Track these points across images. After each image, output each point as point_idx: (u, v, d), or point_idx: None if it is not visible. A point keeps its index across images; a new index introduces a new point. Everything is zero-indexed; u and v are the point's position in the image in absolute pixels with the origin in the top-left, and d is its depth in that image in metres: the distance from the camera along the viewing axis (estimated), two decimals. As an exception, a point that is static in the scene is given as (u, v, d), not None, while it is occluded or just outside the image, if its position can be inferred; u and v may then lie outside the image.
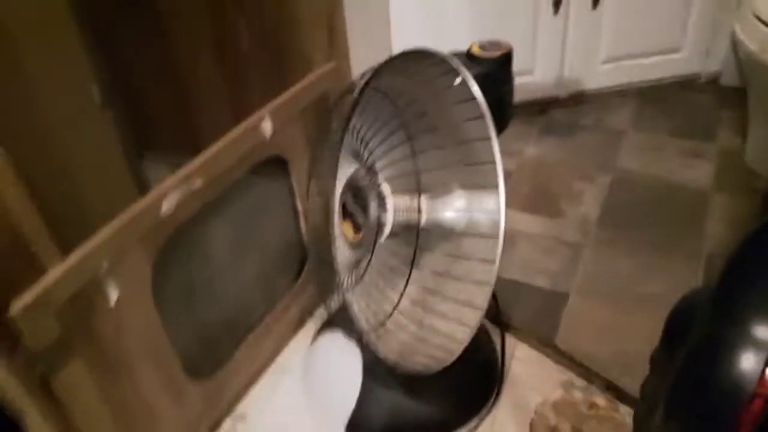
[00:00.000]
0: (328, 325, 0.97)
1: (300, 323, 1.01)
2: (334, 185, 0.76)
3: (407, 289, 0.85)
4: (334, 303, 0.96)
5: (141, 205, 0.65)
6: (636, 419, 0.70)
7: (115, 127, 1.03)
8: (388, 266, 0.84)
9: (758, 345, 0.51)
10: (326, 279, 0.89)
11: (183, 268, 0.75)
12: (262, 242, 0.89)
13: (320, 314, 1.02)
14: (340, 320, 0.92)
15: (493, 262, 0.80)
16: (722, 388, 0.52)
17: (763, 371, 0.49)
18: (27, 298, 0.55)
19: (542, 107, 1.56)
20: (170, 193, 0.67)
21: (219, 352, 0.85)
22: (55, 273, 0.57)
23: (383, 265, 0.83)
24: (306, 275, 0.97)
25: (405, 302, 0.85)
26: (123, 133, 1.04)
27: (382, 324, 0.82)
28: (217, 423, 0.87)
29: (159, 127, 1.16)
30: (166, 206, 0.67)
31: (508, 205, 0.81)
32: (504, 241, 0.82)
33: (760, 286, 0.52)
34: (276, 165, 0.85)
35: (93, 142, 0.90)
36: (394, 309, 0.84)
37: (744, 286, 0.53)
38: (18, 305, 0.54)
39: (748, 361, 0.51)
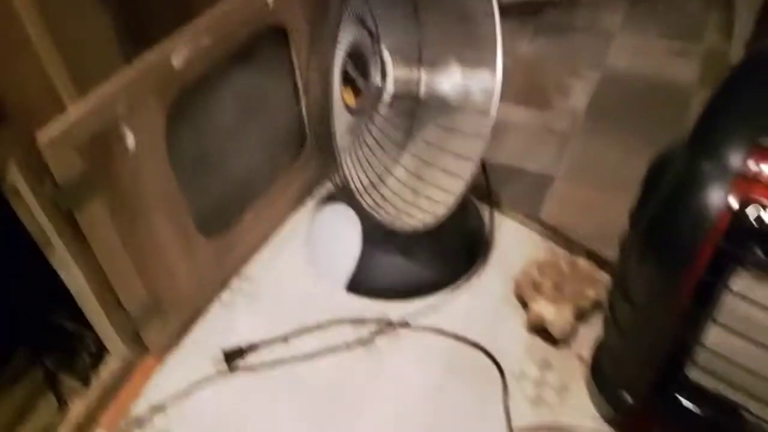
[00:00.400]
0: (329, 198, 1.02)
1: (302, 197, 1.06)
2: (335, 49, 0.79)
3: (402, 158, 0.90)
4: (336, 177, 1.01)
5: (152, 55, 0.68)
6: (617, 268, 0.77)
7: (112, 21, 1.03)
8: (385, 135, 0.88)
9: (726, 170, 0.55)
10: (326, 153, 0.94)
11: (192, 128, 0.79)
12: (265, 114, 0.92)
13: (321, 190, 1.07)
14: (341, 193, 0.97)
15: (482, 136, 0.84)
16: (691, 215, 0.57)
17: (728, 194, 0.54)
18: (53, 130, 0.59)
19: (536, 7, 1.57)
20: (179, 47, 0.70)
21: (227, 215, 0.90)
22: (76, 110, 0.61)
23: (380, 134, 0.88)
24: (308, 150, 1.01)
25: (400, 169, 0.90)
26: (119, 28, 1.04)
27: (377, 187, 0.87)
28: (226, 281, 0.94)
29: (155, 20, 1.16)
30: (176, 60, 0.70)
31: (500, 96, 0.85)
32: (495, 124, 0.86)
33: (734, 115, 0.56)
34: (277, 37, 0.87)
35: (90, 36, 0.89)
36: (388, 174, 0.89)
37: (718, 119, 0.57)
38: (45, 136, 0.58)
39: (716, 189, 0.55)
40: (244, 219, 0.93)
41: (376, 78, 0.83)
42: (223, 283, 0.93)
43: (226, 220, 0.90)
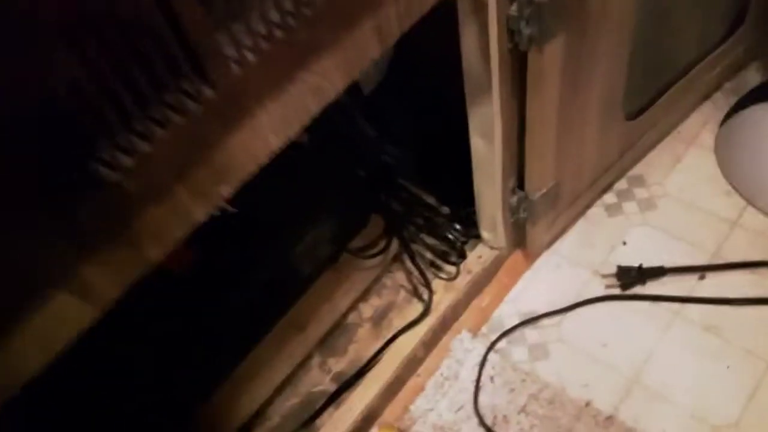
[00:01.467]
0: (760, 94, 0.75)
1: (717, 87, 0.80)
2: None
3: None
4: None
5: None
6: None
7: None
8: None
9: None
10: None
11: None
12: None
13: (746, 82, 0.80)
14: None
15: None
16: None
17: None
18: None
19: None
20: None
21: (645, 95, 0.69)
22: None
23: None
24: (746, 25, 0.74)
25: None
26: None
27: None
28: (616, 180, 0.74)
29: None
30: None
31: None
32: None
33: None
34: None
35: None
36: None
37: None
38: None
39: None
40: (657, 104, 0.71)
41: None
42: (613, 183, 0.74)
43: (642, 102, 0.69)
